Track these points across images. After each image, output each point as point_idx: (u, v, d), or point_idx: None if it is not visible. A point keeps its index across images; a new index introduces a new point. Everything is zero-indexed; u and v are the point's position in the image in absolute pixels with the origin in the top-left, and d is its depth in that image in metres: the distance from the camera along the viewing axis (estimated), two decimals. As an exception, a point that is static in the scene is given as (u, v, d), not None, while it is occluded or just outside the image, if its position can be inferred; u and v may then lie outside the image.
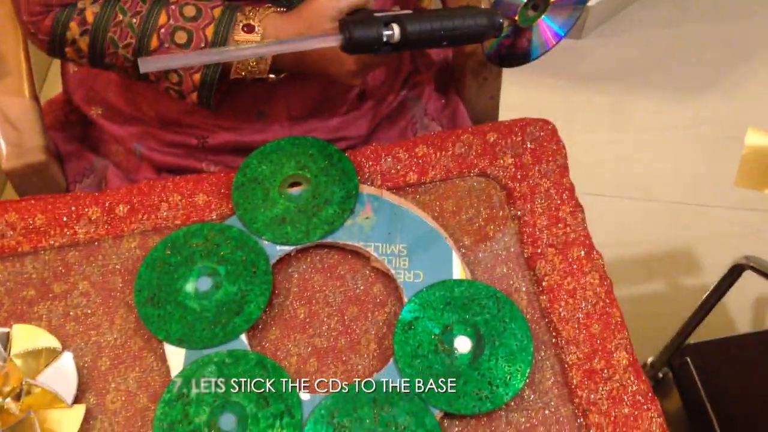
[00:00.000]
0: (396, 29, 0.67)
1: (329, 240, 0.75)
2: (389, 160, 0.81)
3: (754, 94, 1.86)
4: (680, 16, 1.99)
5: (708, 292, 1.16)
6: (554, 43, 0.76)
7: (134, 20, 0.72)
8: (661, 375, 1.42)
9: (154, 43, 0.72)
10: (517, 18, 0.74)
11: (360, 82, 0.77)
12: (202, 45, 0.72)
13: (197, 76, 0.73)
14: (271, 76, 0.77)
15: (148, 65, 0.57)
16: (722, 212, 1.67)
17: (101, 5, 0.73)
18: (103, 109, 0.90)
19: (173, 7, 0.72)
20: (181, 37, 0.72)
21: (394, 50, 0.68)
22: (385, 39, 0.66)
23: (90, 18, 0.72)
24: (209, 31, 0.71)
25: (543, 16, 0.74)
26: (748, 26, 1.98)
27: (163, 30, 0.71)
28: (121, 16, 0.72)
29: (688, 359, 1.26)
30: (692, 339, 1.27)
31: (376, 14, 0.67)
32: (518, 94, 1.84)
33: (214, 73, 0.73)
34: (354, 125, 0.91)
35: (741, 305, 1.55)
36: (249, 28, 0.72)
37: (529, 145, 0.82)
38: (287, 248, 0.75)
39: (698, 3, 2.02)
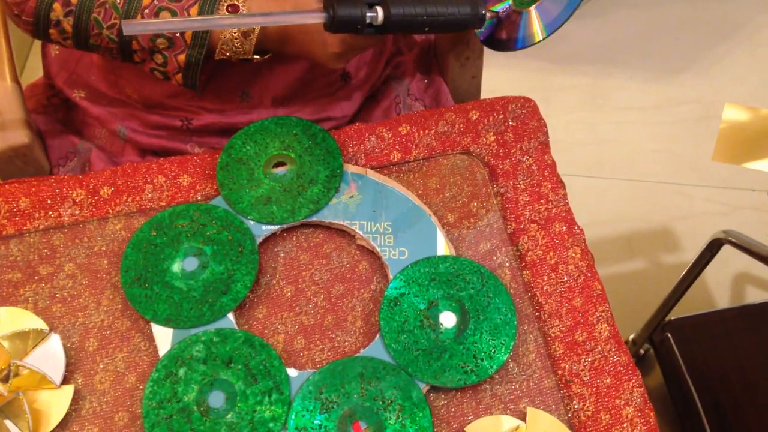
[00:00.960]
0: (380, 11, 0.68)
1: (315, 219, 0.76)
2: (373, 139, 0.81)
3: (731, 74, 1.88)
4: (659, -3, 2.01)
5: (687, 268, 1.18)
6: (541, 38, 0.76)
7: (118, 0, 0.72)
8: (642, 351, 1.45)
9: None
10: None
11: (342, 65, 0.77)
12: None
13: (182, 57, 0.73)
14: (256, 57, 0.77)
15: (131, 28, 0.57)
16: (702, 191, 1.70)
17: None
18: (86, 92, 0.90)
19: None
20: (165, 17, 0.71)
21: (378, 32, 0.69)
22: (368, 20, 0.67)
23: None
24: (193, 11, 0.71)
25: (536, 6, 0.75)
26: (723, 7, 2.00)
27: (147, 10, 0.71)
28: None
29: (669, 335, 1.28)
30: (673, 315, 1.29)
31: None
32: (498, 77, 1.85)
33: (199, 53, 0.73)
34: (338, 106, 0.91)
35: (720, 281, 1.57)
36: (234, 8, 0.72)
37: (511, 123, 0.83)
38: (273, 227, 0.75)
39: (676, -16, 2.04)
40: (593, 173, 1.73)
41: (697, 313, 1.28)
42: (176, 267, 0.72)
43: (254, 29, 0.73)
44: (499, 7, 0.77)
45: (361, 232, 0.75)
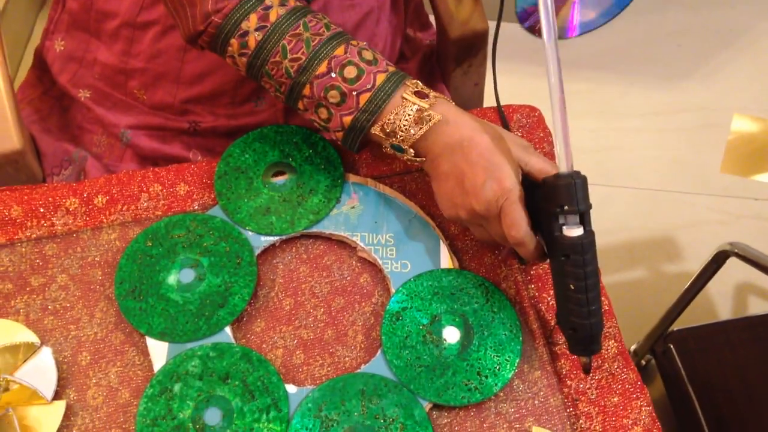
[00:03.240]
0: (580, 227, 0.64)
1: (315, 230, 0.74)
2: (375, 148, 0.79)
3: (733, 81, 1.87)
4: (660, 3, 1.99)
5: (692, 279, 1.16)
6: (575, 34, 0.74)
7: (313, 39, 0.68)
8: (644, 362, 1.43)
9: (322, 68, 0.67)
10: None
11: (452, 216, 0.69)
12: (369, 86, 0.67)
13: (348, 119, 0.68)
14: (411, 151, 0.68)
15: None
16: (704, 199, 1.68)
17: (288, 11, 0.69)
18: (91, 92, 0.87)
19: (353, 45, 0.69)
20: (350, 72, 0.67)
21: (550, 243, 0.65)
22: (566, 217, 0.64)
23: (273, 17, 0.68)
24: (380, 77, 0.68)
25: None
26: (726, 14, 1.98)
27: (335, 60, 0.68)
28: (302, 30, 0.68)
29: (671, 346, 1.26)
30: (675, 326, 1.27)
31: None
32: (501, 83, 1.83)
33: (366, 120, 0.68)
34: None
35: (723, 291, 1.56)
36: (420, 95, 0.68)
37: (516, 132, 0.81)
38: (272, 239, 0.73)
39: (678, -10, 2.02)
40: (595, 181, 1.71)
41: (699, 324, 1.26)
42: (172, 279, 0.70)
43: (431, 119, 0.67)
44: None
45: (362, 244, 0.73)
